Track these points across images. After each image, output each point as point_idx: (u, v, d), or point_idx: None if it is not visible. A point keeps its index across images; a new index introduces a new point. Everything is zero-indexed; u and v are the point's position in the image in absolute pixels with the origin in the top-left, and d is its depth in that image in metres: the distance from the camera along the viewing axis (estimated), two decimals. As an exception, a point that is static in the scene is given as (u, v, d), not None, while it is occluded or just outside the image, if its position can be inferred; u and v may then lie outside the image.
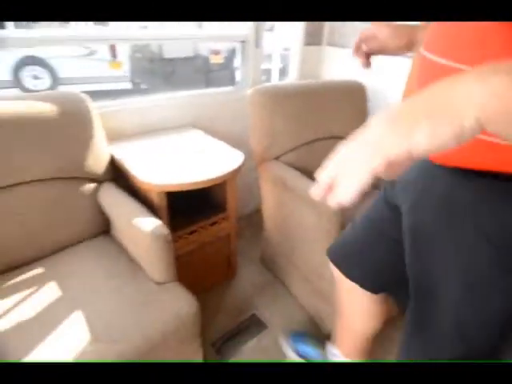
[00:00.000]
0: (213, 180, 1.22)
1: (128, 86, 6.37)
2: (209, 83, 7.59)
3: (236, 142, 1.55)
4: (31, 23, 6.12)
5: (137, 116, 1.55)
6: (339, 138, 1.69)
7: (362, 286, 0.88)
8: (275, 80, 2.15)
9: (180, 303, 1.00)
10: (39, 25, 6.23)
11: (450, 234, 0.59)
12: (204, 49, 7.64)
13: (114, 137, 1.43)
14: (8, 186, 1.07)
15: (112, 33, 1.51)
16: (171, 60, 7.82)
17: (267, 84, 1.56)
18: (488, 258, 0.55)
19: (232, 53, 7.69)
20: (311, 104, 1.61)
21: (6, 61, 5.24)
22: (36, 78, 5.50)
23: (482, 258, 0.56)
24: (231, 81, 7.59)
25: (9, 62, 5.26)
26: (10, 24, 5.31)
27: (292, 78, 2.06)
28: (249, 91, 1.53)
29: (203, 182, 1.20)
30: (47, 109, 1.13)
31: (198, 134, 1.60)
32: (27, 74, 5.43)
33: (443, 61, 0.52)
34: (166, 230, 1.04)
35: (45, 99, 1.14)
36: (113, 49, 6.01)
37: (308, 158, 1.60)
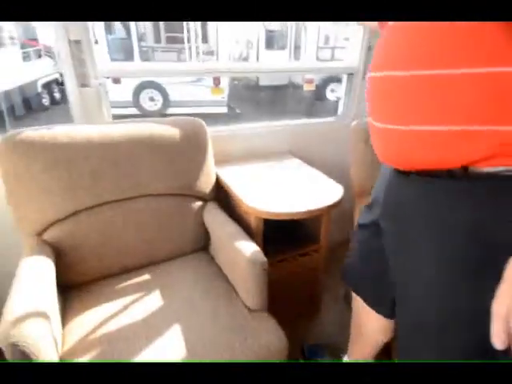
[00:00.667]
0: (310, 212, 1.20)
1: (224, 110, 6.90)
2: (302, 110, 7.77)
3: (333, 172, 1.52)
4: (152, 55, 7.18)
5: (240, 141, 1.64)
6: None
7: (377, 311, 0.95)
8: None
9: (271, 336, 0.98)
10: (158, 57, 7.27)
11: (420, 236, 0.64)
12: (298, 77, 7.91)
13: (220, 159, 1.54)
14: (133, 197, 1.22)
15: (218, 66, 1.64)
16: (266, 87, 8.31)
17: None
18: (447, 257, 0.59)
19: (324, 82, 7.80)
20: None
21: (129, 85, 6.22)
22: (152, 99, 6.38)
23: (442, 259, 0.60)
24: (322, 107, 7.67)
25: (131, 86, 6.23)
26: (136, 57, 6.34)
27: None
28: (352, 124, 1.50)
29: (300, 213, 1.19)
30: (173, 132, 1.27)
31: (295, 163, 1.62)
32: (145, 96, 6.34)
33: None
34: (264, 257, 1.05)
35: (171, 124, 1.29)
36: (216, 77, 6.62)
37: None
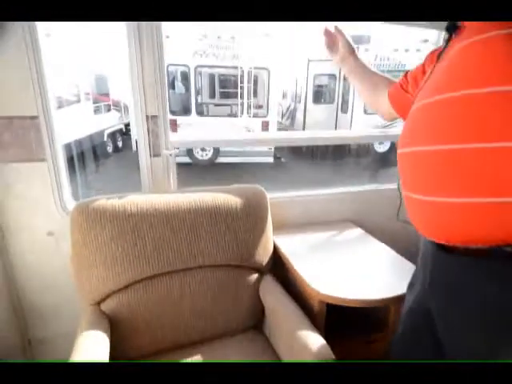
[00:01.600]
0: (384, 301, 1.07)
1: (271, 160, 7.06)
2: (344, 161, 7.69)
3: (401, 247, 1.38)
4: (207, 109, 7.71)
5: (298, 207, 1.58)
6: None
7: None
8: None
9: None
10: (212, 111, 7.79)
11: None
12: (346, 128, 7.95)
13: (277, 225, 1.48)
14: (191, 268, 1.18)
15: (273, 136, 1.64)
16: (311, 138, 8.45)
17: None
18: None
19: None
20: None
21: (185, 134, 6.67)
22: (203, 149, 6.74)
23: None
24: (369, 160, 7.54)
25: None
26: (193, 111, 6.85)
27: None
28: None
29: (373, 301, 1.06)
30: (235, 202, 1.25)
31: (357, 233, 1.51)
32: (197, 146, 6.73)
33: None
34: (331, 354, 0.92)
35: (234, 193, 1.28)
36: (265, 129, 6.89)
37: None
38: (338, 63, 1.12)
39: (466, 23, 0.63)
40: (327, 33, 1.10)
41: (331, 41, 1.10)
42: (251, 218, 1.27)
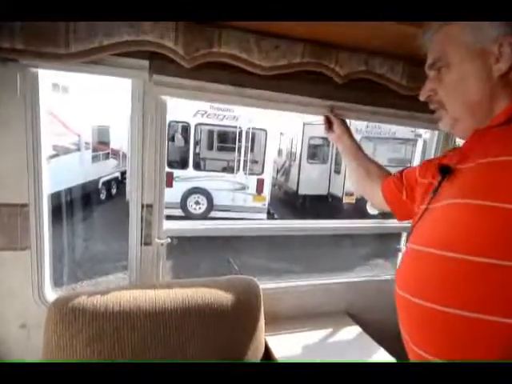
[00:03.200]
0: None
1: (264, 216, 7.04)
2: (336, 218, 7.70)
3: (395, 342, 1.29)
4: (204, 163, 7.85)
5: (293, 298, 1.50)
6: None
7: None
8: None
9: None
10: (209, 166, 7.93)
11: None
12: (337, 189, 8.11)
13: (270, 319, 1.39)
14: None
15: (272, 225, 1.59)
16: (304, 196, 8.56)
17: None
18: None
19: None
20: None
21: (180, 189, 6.68)
22: (197, 203, 6.72)
23: None
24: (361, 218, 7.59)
25: (182, 190, 6.70)
26: (190, 164, 6.96)
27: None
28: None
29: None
30: (226, 299, 1.18)
31: (354, 332, 1.42)
32: (191, 200, 6.72)
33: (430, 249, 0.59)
34: None
35: (225, 287, 1.21)
36: (260, 186, 6.97)
37: None
38: (334, 141, 1.25)
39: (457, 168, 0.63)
40: (326, 118, 1.24)
41: (328, 122, 1.23)
42: (243, 317, 1.19)
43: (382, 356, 1.27)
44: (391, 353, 1.28)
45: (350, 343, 1.35)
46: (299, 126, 8.45)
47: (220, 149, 8.16)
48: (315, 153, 8.71)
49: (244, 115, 6.62)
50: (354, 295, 1.58)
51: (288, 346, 1.29)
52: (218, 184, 6.90)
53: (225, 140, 8.09)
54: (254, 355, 1.20)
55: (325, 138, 8.32)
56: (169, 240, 1.25)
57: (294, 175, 8.78)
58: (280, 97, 1.23)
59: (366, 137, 7.71)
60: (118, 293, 1.08)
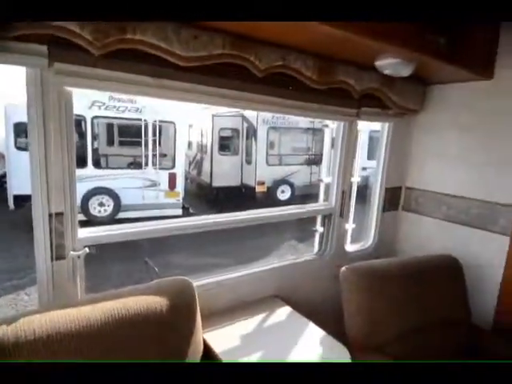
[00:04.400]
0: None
1: (179, 212, 6.82)
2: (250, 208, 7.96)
3: (324, 319, 1.45)
4: (105, 160, 7.14)
5: (227, 291, 1.51)
6: (445, 322, 1.53)
7: None
8: (348, 242, 2.13)
9: None
10: (112, 162, 7.24)
11: None
12: (250, 179, 8.37)
13: (207, 316, 1.38)
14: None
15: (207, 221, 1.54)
16: (218, 188, 8.59)
17: (360, 263, 1.52)
18: None
19: (275, 184, 8.35)
20: (409, 285, 1.51)
21: (79, 190, 5.95)
22: (102, 204, 6.09)
23: None
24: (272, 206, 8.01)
25: (81, 191, 5.97)
26: (89, 162, 6.24)
27: (369, 242, 2.05)
28: (341, 270, 1.49)
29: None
30: (159, 304, 1.11)
31: (285, 312, 1.52)
32: (94, 202, 6.05)
33: None
34: None
35: (156, 291, 1.14)
36: (172, 181, 6.70)
37: (415, 349, 1.41)
38: None
39: None
40: None
41: None
42: (180, 318, 1.15)
43: (312, 329, 1.39)
44: (319, 325, 1.41)
45: (283, 323, 1.44)
46: (208, 118, 8.38)
47: (123, 144, 7.53)
48: (226, 144, 8.78)
49: (149, 107, 6.22)
50: (282, 279, 1.68)
51: (227, 338, 1.30)
52: (125, 182, 6.37)
53: (128, 134, 7.47)
54: (194, 355, 1.17)
55: (235, 130, 8.46)
56: (87, 250, 1.11)
57: (207, 168, 8.70)
58: (201, 89, 1.20)
59: (272, 127, 8.11)
60: (29, 318, 0.92)
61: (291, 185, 8.43)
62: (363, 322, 1.39)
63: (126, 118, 6.49)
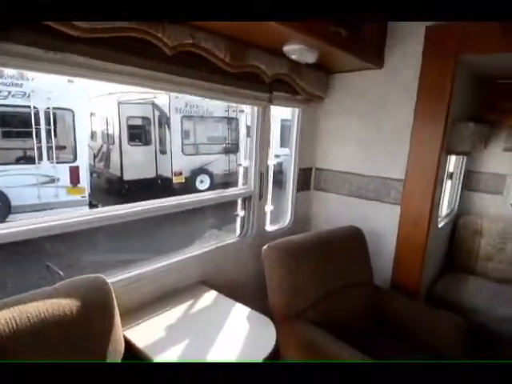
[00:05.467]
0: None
1: (86, 209, 6.16)
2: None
3: (246, 298, 1.50)
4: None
5: (149, 283, 1.43)
6: (353, 285, 1.72)
7: None
8: (268, 222, 2.22)
9: None
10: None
11: None
12: (166, 169, 8.02)
13: (128, 313, 1.29)
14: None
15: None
16: (131, 181, 8.00)
17: (280, 240, 1.60)
18: None
19: (193, 173, 8.17)
20: (323, 256, 1.66)
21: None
22: (-15, 207, 5.11)
23: None
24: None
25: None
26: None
27: (287, 221, 2.17)
28: (263, 248, 1.55)
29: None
30: (70, 307, 0.99)
31: (212, 296, 1.51)
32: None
33: None
34: None
35: (66, 293, 1.02)
36: (75, 175, 5.99)
37: (330, 312, 1.57)
38: None
39: None
40: None
41: None
42: (93, 320, 1.05)
43: (237, 308, 1.42)
44: (245, 303, 1.45)
45: (209, 307, 1.43)
46: (114, 106, 7.67)
47: (8, 135, 6.38)
48: (137, 134, 8.18)
49: (39, 92, 5.37)
50: (207, 264, 1.67)
51: (151, 332, 1.24)
52: (14, 179, 5.45)
53: (14, 124, 6.36)
54: (114, 354, 1.09)
55: (145, 118, 7.94)
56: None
57: (116, 160, 8.00)
58: (103, 66, 1.09)
59: (186, 116, 7.86)
60: None
61: (210, 174, 8.37)
62: (284, 293, 1.48)
63: (9, 105, 5.51)
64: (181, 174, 7.85)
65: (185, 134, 8.13)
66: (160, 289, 1.47)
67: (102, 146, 8.95)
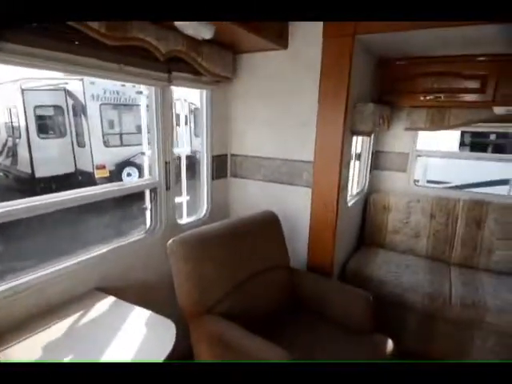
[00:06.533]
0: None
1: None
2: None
3: (158, 300, 1.38)
4: None
5: (27, 299, 1.21)
6: (270, 270, 1.70)
7: None
8: (184, 216, 2.10)
9: None
10: None
11: None
12: (86, 163, 7.29)
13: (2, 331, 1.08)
14: None
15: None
16: (45, 179, 7.13)
17: (188, 232, 1.49)
18: None
19: (119, 166, 7.57)
20: (235, 244, 1.60)
21: None
22: None
23: None
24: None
25: None
26: None
27: (204, 211, 2.07)
28: (168, 243, 1.43)
29: None
30: None
31: (107, 302, 1.35)
32: None
33: None
34: None
35: None
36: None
37: (245, 300, 1.52)
38: None
39: None
40: None
41: None
42: None
43: (137, 312, 1.29)
44: (154, 304, 1.33)
45: (104, 316, 1.27)
46: (17, 93, 6.68)
47: None
48: (48, 125, 7.26)
49: None
50: (106, 267, 1.49)
51: (33, 351, 1.05)
52: None
53: None
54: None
55: (57, 107, 7.08)
56: None
57: (25, 155, 7.04)
58: None
59: (105, 103, 7.19)
60: None
61: (138, 166, 7.84)
62: (193, 289, 1.39)
63: None
64: (104, 167, 7.21)
65: (107, 124, 7.46)
66: (46, 300, 1.26)
67: (6, 141, 7.80)
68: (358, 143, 2.39)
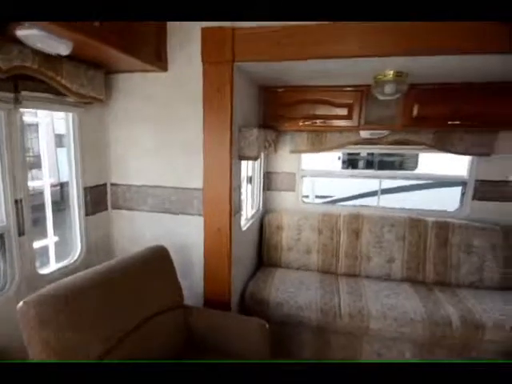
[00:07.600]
0: None
1: None
2: None
3: None
4: None
5: None
6: (160, 313, 1.50)
7: None
8: (53, 262, 1.73)
9: None
10: None
11: None
12: None
13: None
14: None
15: None
16: None
17: (46, 288, 1.20)
18: None
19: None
20: (115, 291, 1.36)
21: None
22: None
23: None
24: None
25: None
26: None
27: (77, 253, 1.75)
28: (18, 306, 1.12)
29: None
30: None
31: None
32: None
33: None
34: None
35: None
36: None
37: (130, 354, 1.29)
38: None
39: None
40: None
41: None
42: None
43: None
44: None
45: None
46: None
47: None
48: None
49: None
50: None
51: None
52: None
53: None
54: None
55: None
56: None
57: None
58: None
59: None
60: None
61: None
62: (53, 357, 1.10)
63: None
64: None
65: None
66: None
67: None
68: (249, 166, 2.41)
